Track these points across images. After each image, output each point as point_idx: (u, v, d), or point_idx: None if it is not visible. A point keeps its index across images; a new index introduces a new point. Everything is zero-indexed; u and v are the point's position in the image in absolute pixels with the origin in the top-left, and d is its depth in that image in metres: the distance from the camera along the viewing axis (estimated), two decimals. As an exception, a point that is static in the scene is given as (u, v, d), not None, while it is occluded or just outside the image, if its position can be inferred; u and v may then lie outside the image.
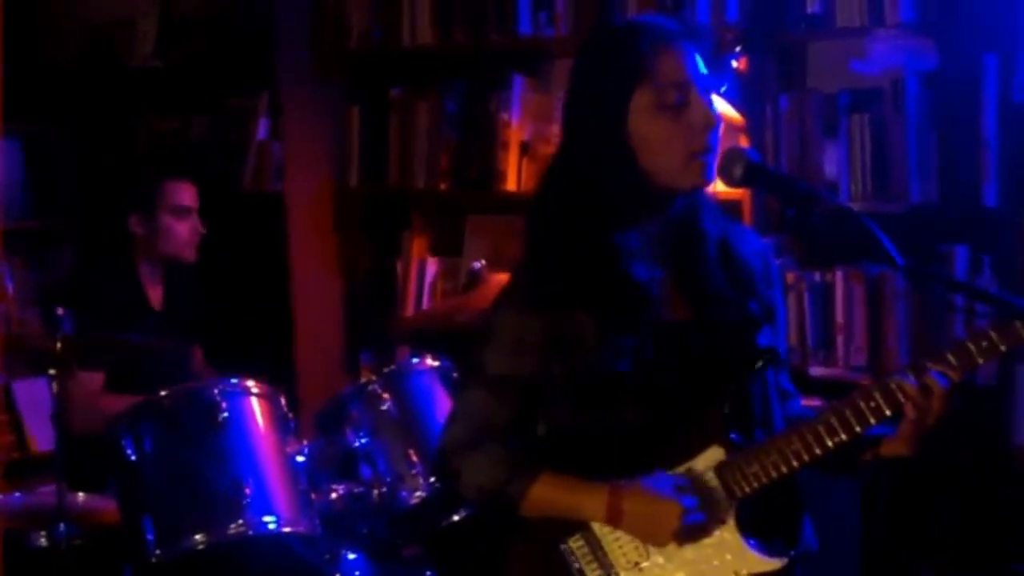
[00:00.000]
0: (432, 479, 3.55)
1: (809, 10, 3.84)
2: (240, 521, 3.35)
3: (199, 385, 3.64)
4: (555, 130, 4.20)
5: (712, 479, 2.23)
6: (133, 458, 3.43)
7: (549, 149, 4.20)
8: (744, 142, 3.78)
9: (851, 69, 3.85)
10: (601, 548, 2.26)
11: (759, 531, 2.24)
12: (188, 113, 5.43)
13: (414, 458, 3.60)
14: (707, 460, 2.24)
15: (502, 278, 3.29)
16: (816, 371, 3.88)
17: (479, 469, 2.28)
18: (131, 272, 4.23)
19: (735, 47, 3.73)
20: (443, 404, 3.65)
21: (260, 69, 5.00)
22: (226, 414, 3.46)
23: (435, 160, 4.71)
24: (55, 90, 5.56)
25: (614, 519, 2.21)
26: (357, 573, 3.50)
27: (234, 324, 4.94)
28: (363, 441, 3.63)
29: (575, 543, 2.27)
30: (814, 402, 3.31)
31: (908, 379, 2.17)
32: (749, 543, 2.22)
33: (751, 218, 3.91)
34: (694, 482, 2.22)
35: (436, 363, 3.76)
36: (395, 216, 4.96)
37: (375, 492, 3.59)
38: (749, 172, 2.24)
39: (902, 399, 2.17)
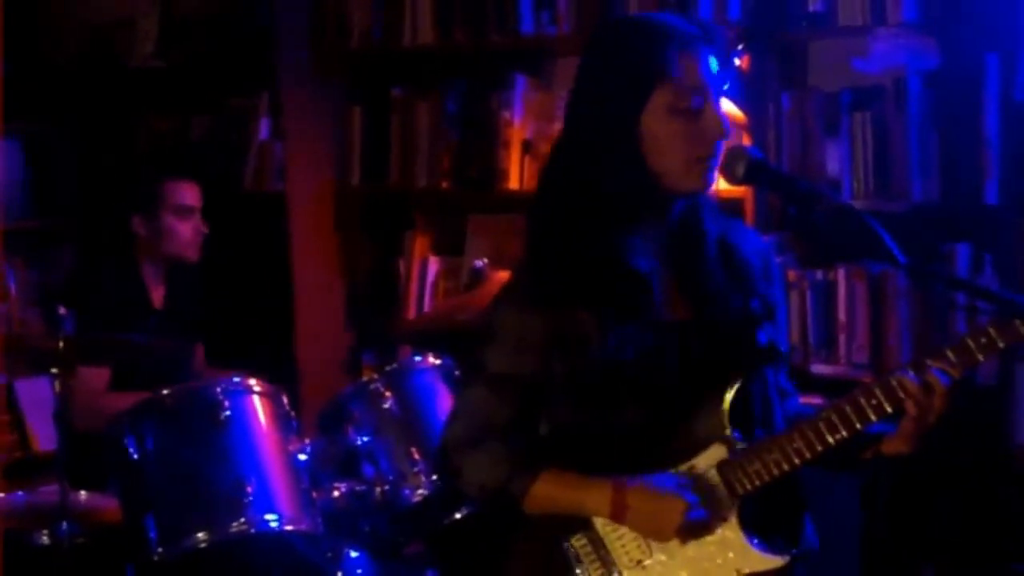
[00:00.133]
0: (434, 477, 3.55)
1: (811, 8, 3.84)
2: (242, 519, 3.35)
3: (201, 384, 3.65)
4: (557, 129, 4.19)
5: (714, 477, 2.23)
6: (135, 457, 3.43)
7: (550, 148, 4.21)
8: (746, 140, 3.78)
9: (853, 68, 3.85)
10: (604, 546, 2.26)
11: (761, 529, 2.24)
12: (189, 113, 5.43)
13: (416, 456, 3.60)
14: (709, 458, 2.24)
15: (504, 277, 3.29)
16: (818, 369, 3.88)
17: (480, 467, 2.28)
18: (133, 272, 4.23)
19: (737, 45, 3.74)
20: (445, 402, 3.65)
21: (261, 69, 5.00)
22: (228, 413, 3.46)
23: (436, 159, 4.71)
24: (56, 90, 5.57)
25: (618, 514, 2.21)
26: (359, 571, 3.50)
27: (236, 323, 4.94)
28: (365, 439, 3.64)
29: (577, 541, 2.27)
30: (816, 400, 3.31)
31: (909, 376, 2.17)
32: (751, 541, 2.22)
33: (753, 216, 3.91)
34: (697, 480, 2.22)
35: (438, 361, 3.76)
36: (396, 215, 4.97)
37: (377, 490, 3.59)
38: (751, 170, 2.24)
39: (903, 396, 2.17)
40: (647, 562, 2.24)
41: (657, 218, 2.27)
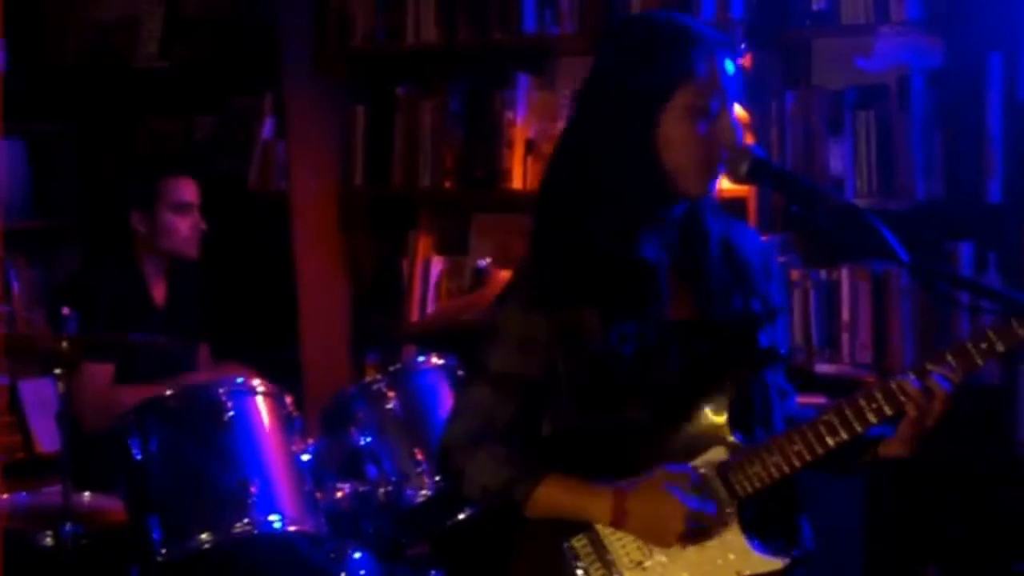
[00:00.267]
0: (437, 478, 3.54)
1: (814, 7, 3.84)
2: (246, 520, 3.35)
3: (204, 385, 3.64)
4: (560, 128, 4.19)
5: (715, 479, 2.23)
6: (139, 457, 3.43)
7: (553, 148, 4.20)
8: (750, 139, 3.78)
9: (856, 66, 3.85)
10: (604, 547, 2.26)
11: (761, 531, 2.24)
12: (192, 113, 5.43)
13: (419, 457, 3.60)
14: (709, 460, 2.24)
15: (508, 276, 3.29)
16: (821, 368, 3.88)
17: (483, 469, 2.28)
18: (134, 270, 4.23)
19: (740, 44, 3.73)
20: (449, 403, 3.64)
21: (264, 69, 5.00)
22: (232, 413, 3.46)
23: (440, 159, 4.71)
24: (59, 90, 5.57)
25: (619, 521, 2.21)
26: (363, 572, 3.50)
27: (240, 323, 4.94)
28: (368, 440, 3.63)
29: (578, 542, 2.27)
30: (819, 399, 3.32)
31: (910, 379, 2.17)
32: (752, 543, 2.22)
33: (756, 215, 3.91)
34: (698, 482, 2.22)
35: (441, 361, 3.76)
36: (400, 215, 4.96)
37: (380, 491, 3.59)
38: (754, 169, 2.24)
39: (903, 399, 2.17)
40: (647, 563, 2.24)
41: (662, 217, 2.27)
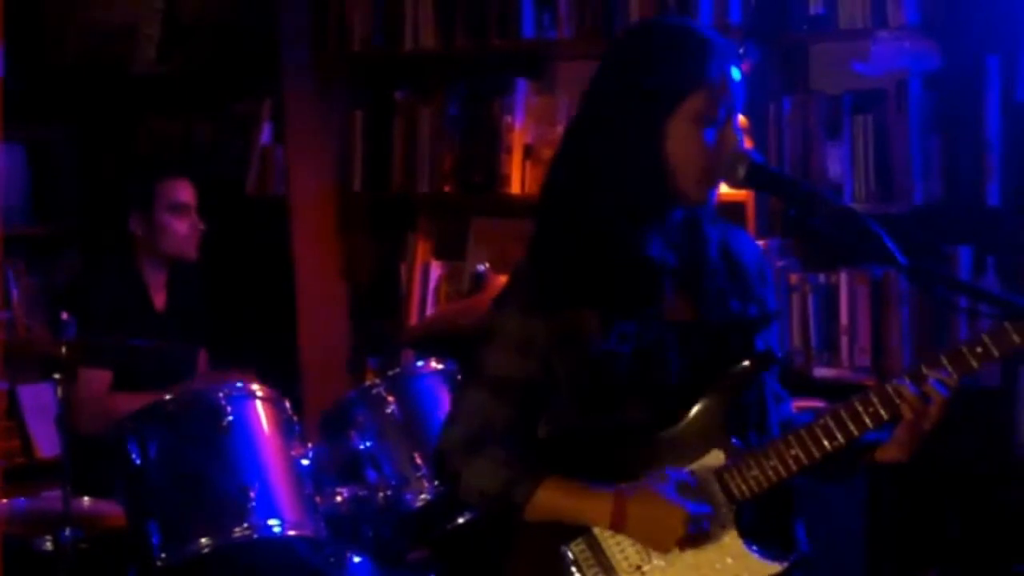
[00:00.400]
0: (436, 482, 3.55)
1: (812, 11, 3.84)
2: (245, 524, 3.35)
3: (204, 389, 3.64)
4: (558, 133, 4.20)
5: (713, 483, 2.23)
6: (138, 462, 3.43)
7: (553, 152, 4.21)
8: (748, 143, 3.78)
9: (854, 70, 3.86)
10: (602, 551, 2.26)
11: (758, 535, 2.24)
12: (191, 118, 5.44)
13: (419, 461, 3.60)
14: (707, 464, 2.24)
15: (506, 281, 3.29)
16: (820, 372, 3.88)
17: (481, 473, 2.27)
18: (134, 274, 4.24)
19: (738, 48, 3.74)
20: (447, 407, 3.64)
21: (263, 74, 5.00)
22: (231, 418, 3.46)
23: (439, 164, 4.71)
24: (59, 95, 5.57)
25: (618, 524, 2.21)
26: (362, 576, 3.50)
27: (239, 328, 4.94)
28: (368, 444, 3.64)
29: (576, 547, 2.27)
30: (818, 403, 3.32)
31: (906, 384, 2.17)
32: (750, 547, 2.22)
33: (754, 219, 3.91)
34: (696, 485, 2.22)
35: (440, 366, 3.76)
36: (399, 219, 4.97)
37: (380, 495, 3.59)
38: (752, 173, 2.24)
39: (900, 403, 2.17)
40: (646, 568, 2.24)
41: (663, 220, 2.27)
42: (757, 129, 3.88)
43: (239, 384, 3.59)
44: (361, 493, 3.60)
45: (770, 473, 2.21)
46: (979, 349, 2.15)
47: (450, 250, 4.89)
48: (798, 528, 2.33)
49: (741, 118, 3.62)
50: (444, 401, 3.69)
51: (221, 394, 3.50)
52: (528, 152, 4.52)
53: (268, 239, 5.02)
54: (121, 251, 4.25)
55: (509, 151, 4.53)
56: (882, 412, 2.18)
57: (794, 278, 3.92)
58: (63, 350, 3.49)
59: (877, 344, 3.80)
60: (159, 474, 3.43)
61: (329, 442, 3.69)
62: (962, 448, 3.52)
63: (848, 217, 2.17)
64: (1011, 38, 3.60)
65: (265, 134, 5.13)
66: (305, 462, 3.56)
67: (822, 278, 3.90)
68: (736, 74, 2.24)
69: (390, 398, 3.67)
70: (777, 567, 2.22)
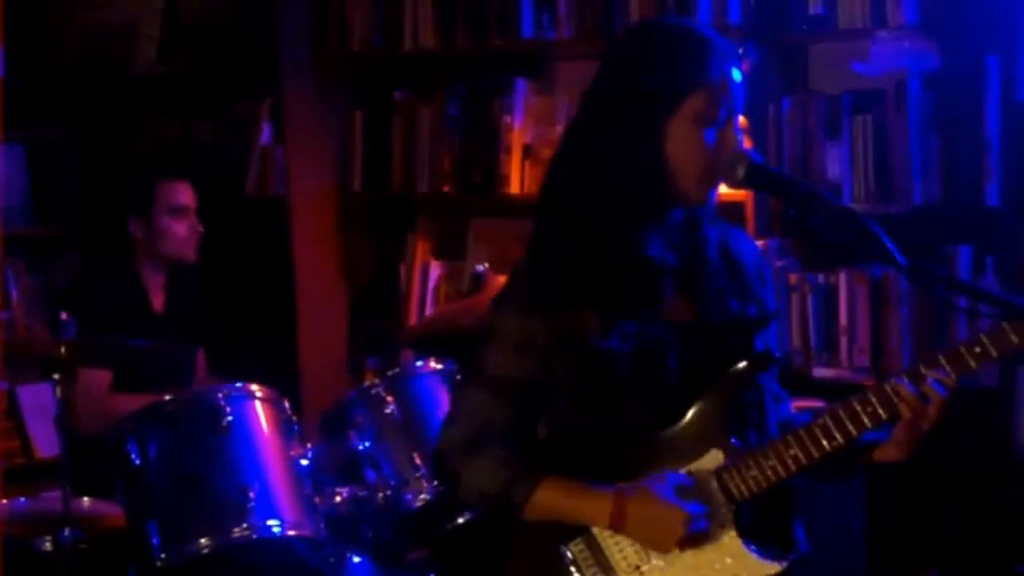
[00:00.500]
0: (436, 482, 3.54)
1: (811, 11, 3.84)
2: (245, 525, 3.36)
3: (203, 390, 3.65)
4: (558, 133, 4.20)
5: (712, 483, 2.23)
6: (138, 463, 3.43)
7: (552, 152, 4.21)
8: (747, 143, 3.78)
9: (853, 70, 3.85)
10: (601, 552, 2.26)
11: (757, 535, 2.24)
12: (191, 119, 5.44)
13: (418, 461, 3.60)
14: (706, 464, 2.24)
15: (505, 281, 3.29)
16: (820, 372, 3.88)
17: (480, 472, 2.27)
18: (133, 276, 4.24)
19: (737, 48, 3.74)
20: (447, 407, 3.64)
21: (263, 74, 5.00)
22: (230, 418, 3.46)
23: (438, 164, 4.71)
24: (59, 96, 5.57)
25: (618, 524, 2.21)
26: (361, 576, 3.50)
27: (238, 328, 4.95)
28: (367, 444, 3.64)
29: (575, 547, 2.27)
30: (817, 403, 3.32)
31: (905, 383, 2.17)
32: (749, 547, 2.22)
33: (753, 219, 3.91)
34: (695, 486, 2.22)
35: (440, 366, 3.76)
36: (398, 220, 4.97)
37: (379, 495, 3.59)
38: (751, 173, 2.25)
39: (898, 403, 2.17)
40: (645, 568, 2.24)
41: (661, 221, 2.27)
42: (757, 129, 3.88)
43: (238, 384, 3.59)
44: (360, 493, 3.60)
45: (769, 473, 2.21)
46: (977, 349, 2.15)
47: (450, 250, 4.89)
48: (797, 528, 2.33)
49: (740, 118, 3.63)
50: (443, 401, 3.69)
51: (220, 394, 3.50)
52: (527, 152, 4.52)
53: (268, 239, 5.02)
54: (120, 252, 4.25)
55: (508, 151, 4.54)
56: (880, 412, 2.18)
57: (793, 278, 3.92)
58: (63, 350, 3.50)
59: (876, 344, 3.80)
60: (159, 474, 3.43)
61: (328, 442, 3.69)
62: (961, 448, 3.52)
63: (847, 217, 2.17)
64: (1011, 38, 3.60)
65: (265, 134, 5.13)
66: (304, 462, 3.56)
67: (821, 278, 3.90)
68: (736, 74, 2.25)
69: (389, 398, 3.67)
70: (776, 567, 2.22)
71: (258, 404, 3.56)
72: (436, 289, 4.83)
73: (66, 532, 3.45)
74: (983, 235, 3.69)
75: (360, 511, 3.60)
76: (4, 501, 3.84)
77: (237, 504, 3.36)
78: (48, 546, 3.56)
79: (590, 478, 2.24)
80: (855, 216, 2.17)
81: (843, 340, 3.85)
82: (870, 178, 3.81)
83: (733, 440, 2.24)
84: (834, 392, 3.00)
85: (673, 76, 2.21)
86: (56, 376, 3.48)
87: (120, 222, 4.23)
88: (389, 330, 4.84)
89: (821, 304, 3.89)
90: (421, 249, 4.90)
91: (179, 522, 3.37)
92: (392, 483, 3.60)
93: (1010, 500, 3.63)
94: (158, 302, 4.28)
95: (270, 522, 3.39)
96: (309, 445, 3.64)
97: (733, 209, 3.81)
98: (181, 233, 4.22)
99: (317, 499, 3.53)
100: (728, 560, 2.22)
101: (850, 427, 2.19)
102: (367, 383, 3.86)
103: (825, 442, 2.20)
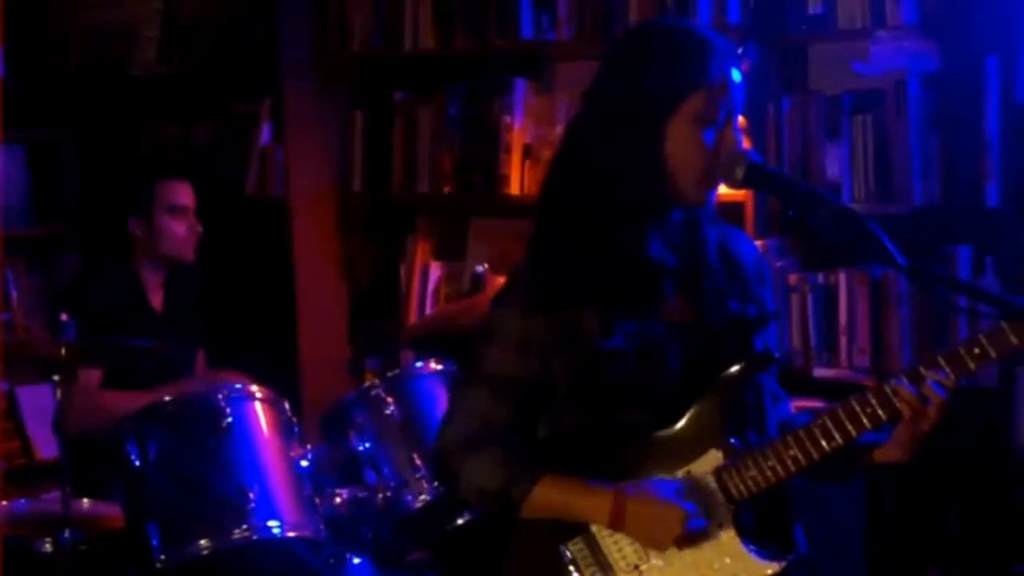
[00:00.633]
0: (436, 483, 3.54)
1: (811, 11, 3.84)
2: (245, 526, 3.36)
3: (203, 391, 3.65)
4: (558, 133, 4.21)
5: (711, 483, 2.23)
6: (137, 464, 3.43)
7: (552, 153, 4.21)
8: (746, 143, 3.78)
9: (853, 70, 3.85)
10: (600, 551, 2.26)
11: (756, 535, 2.24)
12: (191, 119, 5.44)
13: (418, 462, 3.60)
14: (705, 464, 2.24)
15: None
16: (819, 372, 3.88)
17: (480, 470, 2.27)
18: (132, 276, 4.24)
19: (740, 50, 3.74)
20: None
21: (263, 75, 5.01)
22: (230, 419, 3.46)
23: (438, 164, 4.71)
24: (59, 97, 5.57)
25: (616, 522, 2.21)
26: (361, 577, 3.50)
27: (238, 329, 4.95)
28: (367, 445, 3.64)
29: (575, 546, 2.27)
30: (817, 403, 3.32)
31: (904, 384, 2.17)
32: (748, 547, 2.22)
33: (753, 219, 3.91)
34: (694, 485, 2.22)
35: (440, 367, 3.76)
36: (399, 220, 4.97)
37: (379, 496, 3.59)
38: (751, 173, 2.25)
39: (898, 404, 2.17)
40: (644, 567, 2.24)
41: (661, 222, 2.27)
42: (756, 130, 3.88)
43: (238, 386, 3.59)
44: (360, 494, 3.60)
45: (768, 473, 2.21)
46: (977, 350, 2.15)
47: (450, 251, 4.89)
48: (796, 529, 2.33)
49: (740, 118, 3.63)
50: (443, 402, 3.69)
51: (220, 396, 3.50)
52: (527, 152, 4.52)
53: (268, 240, 5.03)
54: (120, 253, 4.25)
55: (508, 152, 4.54)
56: (880, 413, 2.18)
57: (793, 278, 3.92)
58: (62, 351, 3.50)
59: (876, 344, 3.80)
60: (158, 476, 3.43)
61: (328, 443, 3.69)
62: (961, 448, 3.52)
63: (847, 217, 2.17)
64: (1011, 38, 3.60)
65: (265, 135, 5.13)
66: (304, 463, 3.56)
67: (821, 278, 3.90)
68: (736, 75, 2.25)
69: (389, 399, 3.67)
70: (775, 567, 2.22)
71: (258, 405, 3.56)
72: (436, 290, 4.83)
73: (66, 533, 3.46)
74: (983, 235, 3.69)
75: (360, 512, 3.60)
76: (4, 502, 3.84)
77: (237, 505, 3.37)
78: (48, 547, 3.56)
79: (589, 478, 2.24)
80: (855, 216, 2.17)
81: (843, 340, 3.85)
82: (870, 178, 3.81)
83: (732, 440, 2.24)
84: (834, 392, 3.00)
85: (672, 76, 2.21)
86: (56, 377, 3.49)
87: (120, 222, 4.23)
88: (389, 331, 4.84)
89: (821, 304, 3.89)
90: (421, 249, 4.90)
91: (179, 523, 3.38)
92: (392, 484, 3.60)
93: (1010, 500, 3.63)
94: (157, 301, 4.28)
95: (270, 523, 3.39)
96: (309, 446, 3.64)
97: (733, 209, 3.81)
98: (180, 233, 4.22)
99: (317, 500, 3.54)
100: (727, 560, 2.22)
101: (850, 428, 2.19)
102: (367, 384, 3.86)
103: (824, 443, 2.20)
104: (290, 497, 3.47)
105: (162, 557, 3.35)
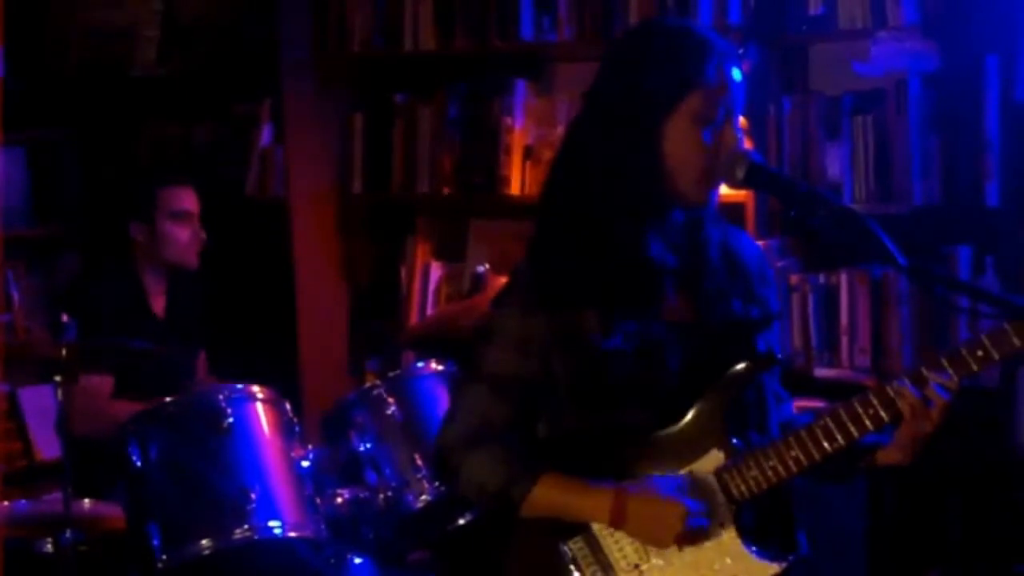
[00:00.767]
0: (437, 483, 3.55)
1: (811, 11, 3.84)
2: (246, 526, 3.36)
3: (204, 391, 3.65)
4: (558, 134, 4.21)
5: (712, 483, 2.23)
6: (139, 464, 3.43)
7: (552, 153, 4.21)
8: (747, 144, 3.78)
9: (853, 70, 3.85)
10: (601, 550, 2.26)
11: (757, 536, 2.24)
12: (191, 120, 5.44)
13: (419, 462, 3.60)
14: (707, 464, 2.24)
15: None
16: (820, 372, 3.88)
17: (480, 468, 2.28)
18: (134, 279, 4.24)
19: (740, 50, 3.74)
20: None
21: (263, 76, 5.00)
22: (231, 420, 3.46)
23: (438, 165, 4.71)
24: (59, 98, 5.57)
25: (617, 521, 2.22)
26: (363, 577, 3.50)
27: (238, 330, 4.95)
28: (368, 446, 3.64)
29: (575, 545, 2.27)
30: (818, 403, 3.32)
31: (907, 385, 2.17)
32: (749, 547, 2.22)
33: (754, 219, 3.92)
34: (695, 485, 2.22)
35: (441, 367, 3.76)
36: (399, 221, 4.97)
37: (380, 497, 3.59)
38: (751, 173, 2.25)
39: (900, 405, 2.17)
40: (644, 566, 2.24)
41: (663, 221, 2.27)
42: (757, 130, 3.88)
43: (239, 386, 3.59)
44: (362, 495, 3.60)
45: (769, 474, 2.21)
46: (979, 352, 2.15)
47: (450, 251, 4.89)
48: (797, 529, 2.33)
49: (741, 119, 3.63)
50: (444, 403, 3.69)
51: (221, 396, 3.51)
52: (528, 153, 4.52)
53: (268, 241, 5.02)
54: (121, 254, 4.25)
55: (508, 152, 4.54)
56: (882, 414, 2.18)
57: (794, 278, 3.92)
58: (63, 352, 3.50)
59: (877, 344, 3.80)
60: (160, 476, 3.43)
61: (329, 444, 3.69)
62: (962, 448, 3.52)
63: (848, 217, 2.18)
64: (1011, 38, 3.60)
65: (265, 135, 5.13)
66: (305, 464, 3.56)
67: (822, 278, 3.90)
68: (736, 75, 2.25)
69: (390, 400, 3.67)
70: (776, 567, 2.23)
71: (259, 406, 3.56)
72: (436, 290, 4.83)
73: (67, 534, 3.46)
74: (983, 235, 3.69)
75: (361, 512, 3.60)
76: (5, 503, 3.84)
77: (238, 505, 3.36)
78: (49, 548, 3.56)
79: (589, 478, 2.24)
80: (855, 216, 2.17)
81: (844, 340, 3.85)
82: (870, 178, 3.81)
83: (734, 440, 2.24)
84: (835, 392, 3.01)
85: (671, 76, 2.22)
86: (57, 378, 3.49)
87: (121, 225, 4.22)
88: (389, 331, 4.84)
89: (822, 304, 3.89)
90: (421, 250, 4.90)
91: (180, 523, 3.38)
92: (393, 484, 3.60)
93: (1010, 500, 3.63)
94: (158, 305, 4.28)
95: (271, 523, 3.39)
96: (310, 446, 3.64)
97: (733, 209, 3.81)
98: (183, 239, 4.22)
99: (318, 500, 3.54)
100: (727, 560, 2.22)
101: (851, 428, 2.19)
102: (368, 384, 3.87)
103: (826, 443, 2.20)
104: (291, 497, 3.47)
105: (163, 557, 3.35)
